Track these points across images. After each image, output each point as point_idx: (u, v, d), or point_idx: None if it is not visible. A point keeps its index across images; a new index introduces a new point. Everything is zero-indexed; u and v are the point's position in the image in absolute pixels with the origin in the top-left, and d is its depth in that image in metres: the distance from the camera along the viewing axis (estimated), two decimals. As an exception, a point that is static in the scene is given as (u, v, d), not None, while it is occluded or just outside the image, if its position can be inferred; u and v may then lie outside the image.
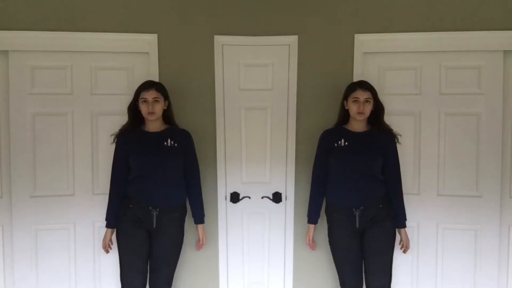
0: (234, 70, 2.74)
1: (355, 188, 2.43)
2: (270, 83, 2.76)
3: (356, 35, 2.67)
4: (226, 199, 2.78)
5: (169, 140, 2.47)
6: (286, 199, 2.78)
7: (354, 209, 2.42)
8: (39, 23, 2.60)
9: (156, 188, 2.42)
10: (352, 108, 2.44)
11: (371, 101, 2.44)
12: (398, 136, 2.52)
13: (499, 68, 2.63)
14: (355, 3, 2.68)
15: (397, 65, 2.72)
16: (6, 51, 2.60)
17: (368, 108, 2.43)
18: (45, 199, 2.67)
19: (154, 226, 2.42)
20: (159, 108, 2.43)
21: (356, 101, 2.42)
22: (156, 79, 2.67)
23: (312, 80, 2.71)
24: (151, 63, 2.68)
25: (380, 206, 2.43)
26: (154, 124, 2.48)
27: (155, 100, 2.41)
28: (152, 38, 2.67)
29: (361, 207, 2.42)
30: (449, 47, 2.64)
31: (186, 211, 2.56)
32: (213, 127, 2.73)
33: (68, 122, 2.69)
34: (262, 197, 2.78)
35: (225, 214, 2.78)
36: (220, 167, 2.75)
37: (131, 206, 2.42)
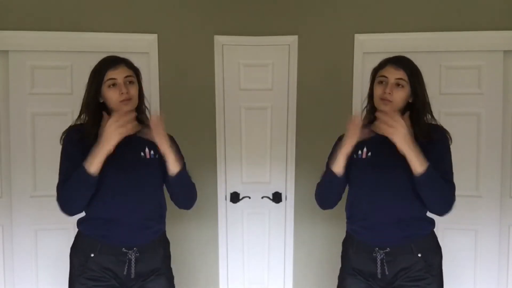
0: (234, 70, 2.74)
1: (383, 217, 1.70)
2: (270, 83, 2.76)
3: (356, 35, 2.67)
4: (226, 199, 2.78)
5: (147, 150, 1.73)
6: (286, 199, 2.78)
7: (376, 249, 1.69)
8: (39, 23, 2.59)
9: (131, 218, 1.69)
10: (376, 91, 1.69)
11: (407, 85, 1.66)
12: (450, 138, 1.73)
13: (499, 68, 2.62)
14: (355, 3, 2.68)
15: (397, 65, 2.71)
16: (6, 51, 2.59)
17: (399, 95, 1.65)
18: (45, 199, 2.66)
19: (132, 276, 1.68)
20: (135, 91, 1.68)
21: (382, 82, 1.68)
22: (156, 79, 2.67)
23: (312, 80, 2.71)
24: (151, 63, 2.68)
25: (419, 255, 1.68)
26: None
27: (129, 81, 1.68)
28: (152, 38, 2.66)
29: (388, 249, 1.68)
30: (449, 47, 2.64)
31: (168, 243, 1.86)
32: (213, 127, 2.73)
33: (68, 122, 2.65)
34: (262, 197, 2.78)
35: (225, 214, 2.78)
36: (220, 167, 2.75)
37: (92, 255, 1.67)
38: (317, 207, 2.76)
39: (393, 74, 1.67)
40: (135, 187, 1.68)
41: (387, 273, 1.69)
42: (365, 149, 1.73)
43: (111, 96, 1.64)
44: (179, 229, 2.74)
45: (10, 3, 2.58)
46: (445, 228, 2.72)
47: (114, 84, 1.65)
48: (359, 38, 2.66)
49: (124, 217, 1.68)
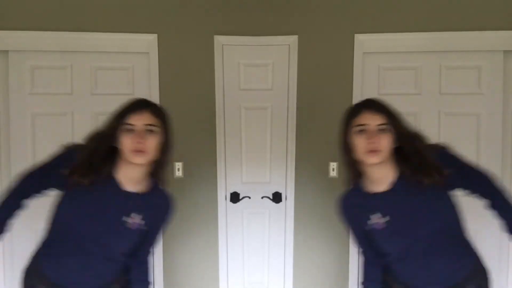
0: (234, 70, 2.74)
1: (422, 265, 1.54)
2: (270, 83, 2.76)
3: (356, 35, 2.67)
4: (226, 199, 2.78)
5: (133, 215, 1.52)
6: (286, 199, 2.78)
7: None
8: (39, 23, 2.60)
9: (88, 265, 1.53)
10: (359, 144, 1.48)
11: (388, 130, 1.47)
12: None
13: (499, 68, 2.63)
14: (355, 3, 2.68)
15: (397, 65, 2.72)
16: (6, 51, 2.60)
17: (385, 141, 1.46)
18: (45, 199, 2.67)
19: None
20: (153, 144, 1.48)
21: (362, 130, 1.48)
22: (156, 79, 2.67)
23: (312, 80, 2.71)
24: (151, 63, 2.68)
25: None
26: (135, 173, 1.52)
27: (149, 130, 1.47)
28: (152, 38, 2.67)
29: None
30: (449, 47, 2.64)
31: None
32: (213, 127, 2.73)
33: (68, 122, 2.69)
34: (262, 197, 2.78)
35: (225, 214, 2.78)
36: (220, 167, 2.75)
37: None
38: (317, 206, 2.79)
39: (373, 120, 1.47)
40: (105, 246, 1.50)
41: None
42: (379, 214, 1.51)
43: (124, 142, 1.46)
44: (179, 229, 2.74)
45: (10, 3, 2.58)
46: (445, 228, 2.72)
47: (131, 130, 1.46)
48: (359, 38, 2.67)
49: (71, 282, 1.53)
